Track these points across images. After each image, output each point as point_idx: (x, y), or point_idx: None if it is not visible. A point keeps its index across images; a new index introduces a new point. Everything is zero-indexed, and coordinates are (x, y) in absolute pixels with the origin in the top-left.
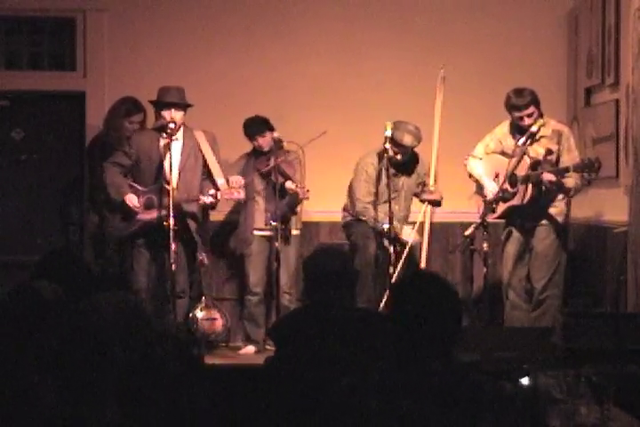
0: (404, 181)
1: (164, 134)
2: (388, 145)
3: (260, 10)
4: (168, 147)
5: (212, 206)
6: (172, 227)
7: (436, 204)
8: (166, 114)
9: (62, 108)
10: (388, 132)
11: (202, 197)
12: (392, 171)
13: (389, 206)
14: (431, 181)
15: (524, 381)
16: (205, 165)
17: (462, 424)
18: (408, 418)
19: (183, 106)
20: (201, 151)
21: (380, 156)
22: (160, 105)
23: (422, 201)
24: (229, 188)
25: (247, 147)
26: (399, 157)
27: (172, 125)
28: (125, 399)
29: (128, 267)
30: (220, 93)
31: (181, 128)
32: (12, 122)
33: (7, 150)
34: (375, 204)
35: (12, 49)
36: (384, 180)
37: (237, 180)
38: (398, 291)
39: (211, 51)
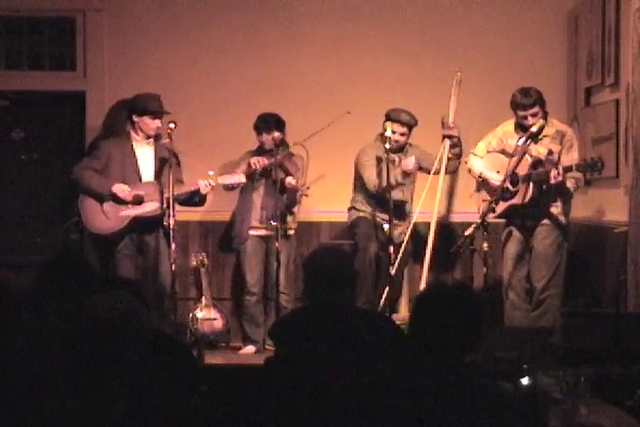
0: (400, 171)
1: (142, 138)
2: (388, 145)
3: (261, 10)
4: (169, 146)
5: (203, 197)
6: (172, 227)
7: (454, 141)
8: (152, 122)
9: (62, 108)
10: (388, 132)
11: (199, 182)
12: (392, 158)
13: (389, 203)
14: (450, 119)
15: (524, 381)
16: (176, 169)
17: (462, 424)
18: (408, 418)
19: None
20: (173, 155)
21: (379, 159)
22: (153, 113)
23: (443, 138)
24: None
25: (247, 146)
26: (398, 137)
27: (172, 125)
28: (130, 398)
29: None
30: (220, 93)
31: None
32: (12, 122)
33: (7, 150)
34: (375, 197)
35: (12, 49)
36: (384, 178)
37: (260, 159)
38: (421, 304)
39: (211, 50)
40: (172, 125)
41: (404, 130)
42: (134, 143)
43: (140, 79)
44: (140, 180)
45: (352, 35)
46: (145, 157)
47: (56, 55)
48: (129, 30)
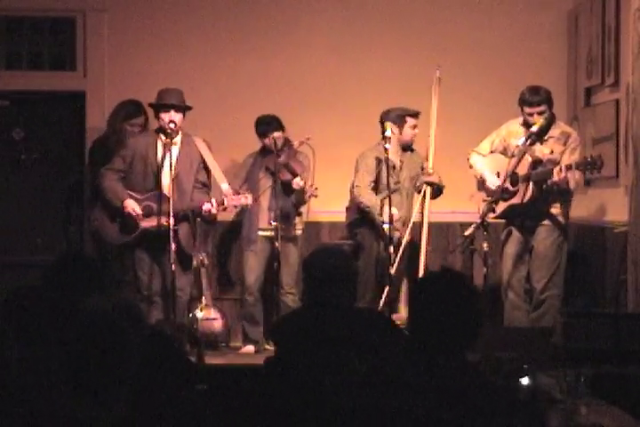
0: (405, 175)
1: (164, 137)
2: (388, 145)
3: (259, 10)
4: (169, 148)
5: (213, 218)
6: (171, 227)
7: (435, 188)
8: (165, 116)
9: (62, 108)
10: (388, 132)
11: (205, 204)
12: (393, 162)
13: (389, 203)
14: (429, 165)
15: (524, 381)
16: (201, 172)
17: (462, 424)
18: (407, 418)
19: (182, 108)
20: (200, 158)
21: (379, 160)
22: (159, 107)
23: (421, 184)
24: (235, 193)
25: (248, 146)
26: (413, 130)
27: (172, 125)
28: (131, 398)
29: (130, 274)
30: (220, 93)
31: (179, 133)
32: (12, 122)
33: (7, 150)
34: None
35: (12, 49)
36: (384, 179)
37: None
38: (421, 287)
39: (210, 50)
40: (172, 126)
41: (416, 121)
42: (159, 142)
43: (140, 79)
44: (159, 184)
45: (354, 33)
46: (167, 158)
47: (56, 55)
48: (129, 30)
